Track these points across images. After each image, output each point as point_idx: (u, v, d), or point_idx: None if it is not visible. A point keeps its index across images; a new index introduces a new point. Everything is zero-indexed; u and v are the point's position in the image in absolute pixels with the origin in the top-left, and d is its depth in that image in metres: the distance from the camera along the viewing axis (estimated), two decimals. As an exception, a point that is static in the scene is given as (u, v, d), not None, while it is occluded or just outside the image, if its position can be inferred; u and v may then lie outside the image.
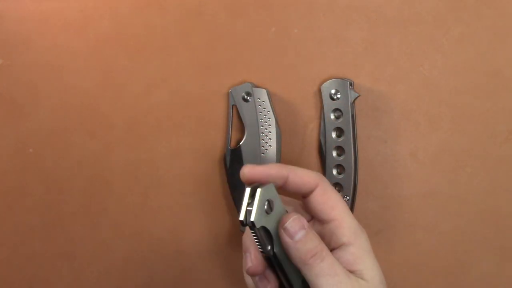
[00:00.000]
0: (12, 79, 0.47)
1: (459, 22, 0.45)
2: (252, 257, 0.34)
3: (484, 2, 0.45)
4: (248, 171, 0.33)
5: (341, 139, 0.44)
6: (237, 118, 0.46)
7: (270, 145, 0.46)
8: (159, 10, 0.46)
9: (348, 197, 0.44)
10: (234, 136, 0.47)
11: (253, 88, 0.45)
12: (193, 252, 0.47)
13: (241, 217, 0.31)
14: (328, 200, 0.33)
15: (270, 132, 0.46)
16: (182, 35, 0.46)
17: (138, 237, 0.47)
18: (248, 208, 0.31)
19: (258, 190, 0.31)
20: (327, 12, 0.46)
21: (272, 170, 0.33)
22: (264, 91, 0.45)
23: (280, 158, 0.46)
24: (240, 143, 0.46)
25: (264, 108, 0.45)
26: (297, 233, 0.32)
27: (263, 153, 0.46)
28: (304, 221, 0.33)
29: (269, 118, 0.46)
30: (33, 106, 0.47)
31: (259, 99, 0.45)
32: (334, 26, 0.46)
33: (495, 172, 0.46)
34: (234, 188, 0.46)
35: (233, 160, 0.46)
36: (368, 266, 0.33)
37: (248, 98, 0.45)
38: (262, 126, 0.46)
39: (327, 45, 0.45)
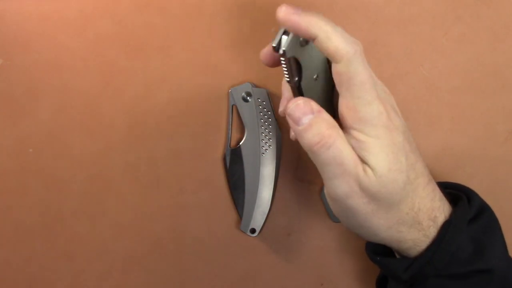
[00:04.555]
0: (12, 79, 0.47)
1: (459, 22, 0.45)
2: (284, 101, 0.34)
3: (484, 2, 0.45)
4: (282, 15, 0.31)
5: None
6: (237, 118, 0.46)
7: (270, 145, 0.46)
8: (159, 10, 0.46)
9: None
10: (234, 136, 0.47)
11: (253, 88, 0.45)
12: (193, 252, 0.47)
13: (274, 43, 0.30)
14: (352, 79, 0.31)
15: (270, 132, 0.46)
16: (182, 35, 0.46)
17: (138, 237, 0.47)
18: (283, 36, 0.30)
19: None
20: (327, 12, 0.46)
21: (302, 24, 0.30)
22: (264, 91, 0.45)
23: (280, 158, 0.46)
24: (240, 143, 0.46)
25: (264, 108, 0.45)
26: (301, 120, 0.31)
27: (263, 153, 0.46)
28: (310, 106, 0.31)
29: (269, 118, 0.46)
30: (33, 106, 0.47)
31: (259, 99, 0.45)
32: (334, 26, 0.45)
33: (495, 172, 0.46)
34: (234, 188, 0.46)
35: (233, 160, 0.46)
36: (375, 153, 0.32)
37: (248, 98, 0.45)
38: (262, 126, 0.46)
39: (327, 45, 0.45)
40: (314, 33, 0.30)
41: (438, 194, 0.35)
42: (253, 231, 0.46)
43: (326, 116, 0.32)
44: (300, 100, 0.32)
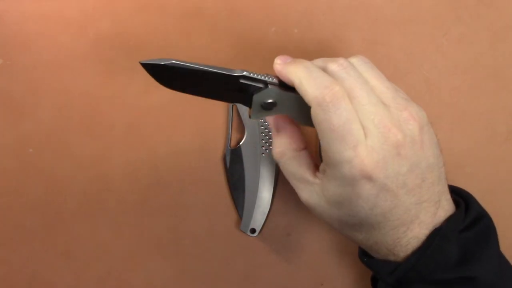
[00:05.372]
0: (12, 79, 0.47)
1: (459, 22, 0.45)
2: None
3: (484, 2, 0.45)
4: (275, 67, 0.35)
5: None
6: (237, 118, 0.46)
7: (270, 145, 0.46)
8: (159, 10, 0.46)
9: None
10: (234, 136, 0.47)
11: (253, 88, 0.45)
12: (193, 252, 0.47)
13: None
14: (319, 125, 0.32)
15: (270, 132, 0.46)
16: (182, 35, 0.46)
17: (138, 237, 0.47)
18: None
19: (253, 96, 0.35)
20: (327, 12, 0.46)
21: (283, 73, 0.34)
22: (264, 91, 0.45)
23: (280, 158, 0.46)
24: (240, 143, 0.46)
25: (264, 108, 0.45)
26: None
27: (263, 153, 0.46)
28: (277, 124, 0.36)
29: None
30: (33, 106, 0.47)
31: (259, 99, 0.45)
32: (334, 26, 0.46)
33: (495, 172, 0.46)
34: (234, 188, 0.46)
35: (233, 160, 0.46)
36: (327, 195, 0.34)
37: (248, 98, 0.45)
38: (262, 126, 0.46)
39: (327, 45, 0.45)
40: (292, 80, 0.33)
41: (412, 232, 0.33)
42: (253, 231, 0.46)
43: (279, 140, 0.36)
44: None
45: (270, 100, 0.34)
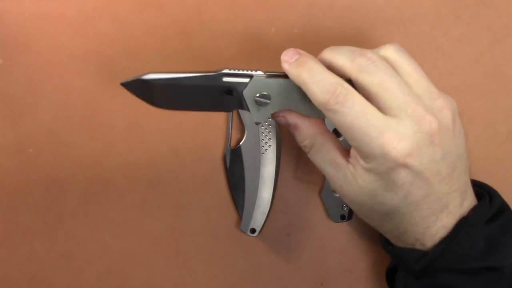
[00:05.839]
0: (12, 79, 0.47)
1: (459, 22, 0.45)
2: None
3: (484, 2, 0.45)
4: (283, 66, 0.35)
5: (341, 139, 0.44)
6: (237, 118, 0.46)
7: (270, 145, 0.46)
8: (159, 10, 0.46)
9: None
10: (234, 136, 0.47)
11: (253, 88, 0.45)
12: (193, 252, 0.47)
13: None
14: (338, 126, 0.33)
15: (270, 132, 0.46)
16: (182, 35, 0.46)
17: (138, 237, 0.47)
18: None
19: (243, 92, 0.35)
20: (327, 12, 0.46)
21: (290, 74, 0.34)
22: (264, 91, 0.45)
23: (280, 158, 0.46)
24: (240, 143, 0.46)
25: (264, 108, 0.45)
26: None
27: (263, 153, 0.46)
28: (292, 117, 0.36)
29: (269, 118, 0.46)
30: (33, 106, 0.47)
31: (259, 99, 0.45)
32: (334, 26, 0.46)
33: (495, 172, 0.46)
34: (234, 188, 0.46)
35: (233, 160, 0.46)
36: (361, 185, 0.34)
37: (248, 98, 0.45)
38: (262, 126, 0.46)
39: (327, 45, 0.45)
40: (298, 84, 0.33)
41: (441, 222, 0.34)
42: (253, 231, 0.46)
43: (301, 133, 0.37)
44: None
45: (261, 93, 0.34)
